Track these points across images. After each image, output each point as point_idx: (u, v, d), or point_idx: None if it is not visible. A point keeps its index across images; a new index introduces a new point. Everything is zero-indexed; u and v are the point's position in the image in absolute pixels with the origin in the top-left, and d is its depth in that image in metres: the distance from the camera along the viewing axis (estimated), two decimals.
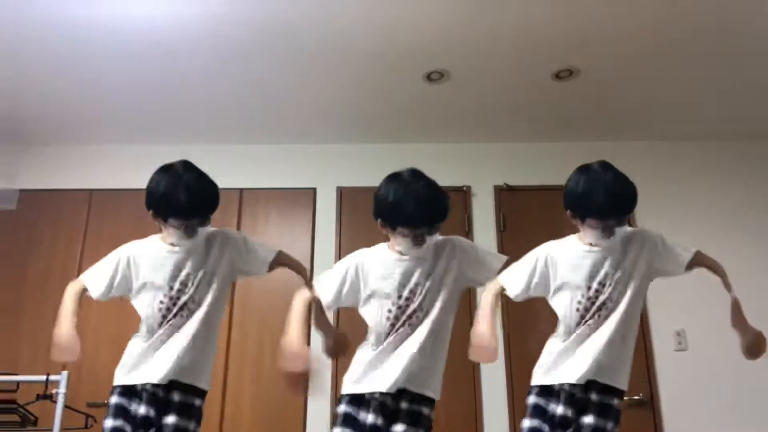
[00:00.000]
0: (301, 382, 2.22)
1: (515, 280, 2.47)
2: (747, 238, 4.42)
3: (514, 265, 2.51)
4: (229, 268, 2.48)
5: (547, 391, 2.32)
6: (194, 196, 2.34)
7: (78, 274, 4.54)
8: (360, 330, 2.39)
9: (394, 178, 2.34)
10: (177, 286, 2.38)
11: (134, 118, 4.50)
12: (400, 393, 2.25)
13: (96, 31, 3.61)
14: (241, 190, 4.59)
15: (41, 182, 4.69)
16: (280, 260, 2.56)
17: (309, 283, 2.50)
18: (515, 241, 4.41)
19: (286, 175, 4.72)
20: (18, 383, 3.39)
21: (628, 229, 2.41)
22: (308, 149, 4.77)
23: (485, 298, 2.43)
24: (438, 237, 2.37)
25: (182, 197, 2.31)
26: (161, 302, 2.37)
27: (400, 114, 4.47)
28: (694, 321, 4.18)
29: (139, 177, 4.53)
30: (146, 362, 2.33)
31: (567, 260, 2.42)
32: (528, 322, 4.06)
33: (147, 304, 2.39)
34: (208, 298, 2.40)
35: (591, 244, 2.39)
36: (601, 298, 2.33)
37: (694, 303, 4.06)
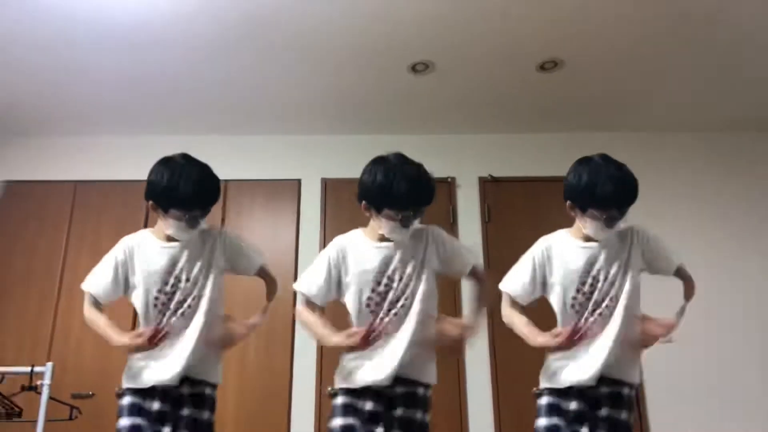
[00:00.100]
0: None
1: (518, 283, 2.49)
2: (730, 227, 4.46)
3: (513, 270, 2.52)
4: (223, 264, 2.49)
5: (557, 391, 2.35)
6: (198, 186, 2.34)
7: (62, 266, 4.49)
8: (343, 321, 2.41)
9: (380, 160, 2.35)
10: (171, 281, 2.38)
11: (118, 110, 4.48)
12: (395, 381, 2.28)
13: (78, 22, 3.58)
14: (226, 181, 4.54)
15: (25, 173, 4.65)
16: (266, 269, 2.61)
17: (270, 299, 2.59)
18: (500, 232, 4.44)
19: (270, 167, 4.71)
20: (2, 375, 3.37)
21: (621, 225, 2.41)
22: (293, 140, 4.76)
23: (508, 318, 2.50)
24: (417, 225, 2.37)
25: (187, 188, 2.31)
26: (156, 297, 2.37)
27: (385, 105, 4.47)
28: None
29: (124, 168, 4.58)
30: (156, 361, 2.33)
31: (561, 255, 2.44)
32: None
33: (142, 300, 2.38)
34: (209, 292, 2.40)
35: (585, 239, 2.41)
36: (596, 293, 2.35)
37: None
